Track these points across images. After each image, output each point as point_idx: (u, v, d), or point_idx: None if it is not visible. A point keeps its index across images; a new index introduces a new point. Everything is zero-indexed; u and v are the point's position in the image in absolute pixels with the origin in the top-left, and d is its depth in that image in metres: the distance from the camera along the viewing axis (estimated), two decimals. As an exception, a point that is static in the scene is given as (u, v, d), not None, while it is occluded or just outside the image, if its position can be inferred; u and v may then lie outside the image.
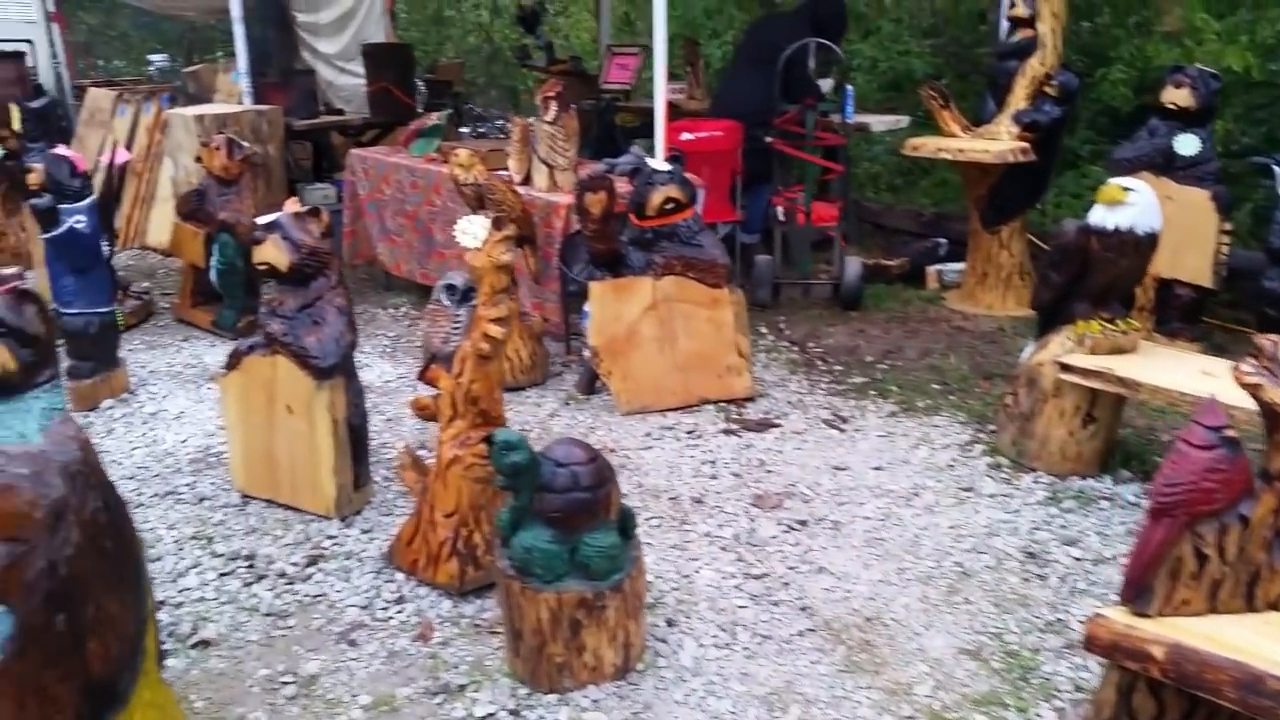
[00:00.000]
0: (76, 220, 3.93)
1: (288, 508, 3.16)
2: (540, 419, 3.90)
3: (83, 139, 7.34)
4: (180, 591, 2.71)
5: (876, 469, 3.42)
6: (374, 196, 5.46)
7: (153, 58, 15.48)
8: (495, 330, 2.65)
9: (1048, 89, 5.01)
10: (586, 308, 4.11)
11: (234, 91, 6.36)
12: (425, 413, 2.84)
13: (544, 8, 8.58)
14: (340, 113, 7.40)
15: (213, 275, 4.83)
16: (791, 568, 2.82)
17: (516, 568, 2.27)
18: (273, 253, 3.04)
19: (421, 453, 3.30)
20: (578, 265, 4.25)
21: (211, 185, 4.82)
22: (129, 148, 6.93)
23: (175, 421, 3.88)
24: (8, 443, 2.15)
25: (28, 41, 8.41)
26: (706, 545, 2.93)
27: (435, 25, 13.82)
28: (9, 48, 7.81)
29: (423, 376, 2.82)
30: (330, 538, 3.01)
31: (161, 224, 6.70)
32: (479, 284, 2.71)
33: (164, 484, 3.36)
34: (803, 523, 3.06)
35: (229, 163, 4.75)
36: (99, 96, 7.66)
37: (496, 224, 2.75)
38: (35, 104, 5.49)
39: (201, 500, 3.23)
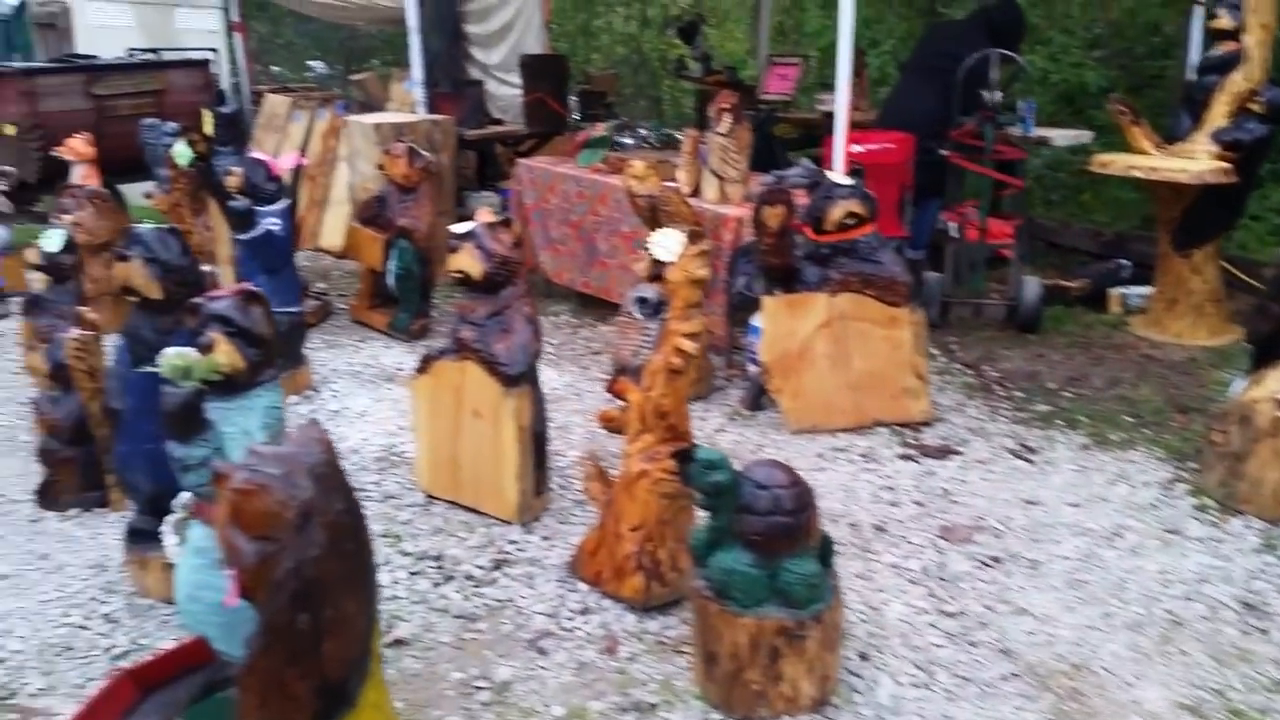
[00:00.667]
0: (271, 222, 4.13)
1: (470, 510, 3.22)
2: (707, 434, 3.86)
3: (259, 143, 7.73)
4: (372, 588, 2.78)
5: (1072, 505, 3.24)
6: (539, 205, 5.55)
7: (312, 64, 16.27)
8: (688, 345, 2.63)
9: (1253, 105, 4.68)
10: (754, 322, 4.06)
11: (407, 100, 6.58)
12: (612, 425, 2.84)
13: (702, 19, 8.57)
14: (499, 122, 7.57)
15: (389, 279, 5.00)
16: (988, 606, 2.70)
17: (714, 589, 2.24)
18: (467, 261, 3.09)
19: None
20: (746, 278, 4.21)
21: (391, 192, 4.99)
22: (303, 152, 7.27)
23: (359, 420, 4.01)
24: (233, 439, 2.25)
25: (212, 50, 8.95)
26: (894, 577, 2.83)
27: (584, 36, 14.03)
28: (197, 56, 8.33)
29: (611, 389, 2.82)
30: (512, 542, 3.04)
31: (335, 227, 6.99)
32: (672, 298, 2.69)
33: (351, 481, 3.46)
34: (996, 559, 2.93)
35: (409, 170, 4.90)
36: (275, 103, 8.07)
37: (693, 238, 2.73)
38: (225, 109, 5.80)
39: (388, 499, 3.32)
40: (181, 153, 6.09)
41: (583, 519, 3.19)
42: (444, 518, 3.22)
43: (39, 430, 3.39)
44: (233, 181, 4.16)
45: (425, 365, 3.27)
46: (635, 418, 2.72)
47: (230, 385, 2.24)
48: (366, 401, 4.22)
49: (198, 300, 2.28)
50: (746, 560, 2.19)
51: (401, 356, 4.84)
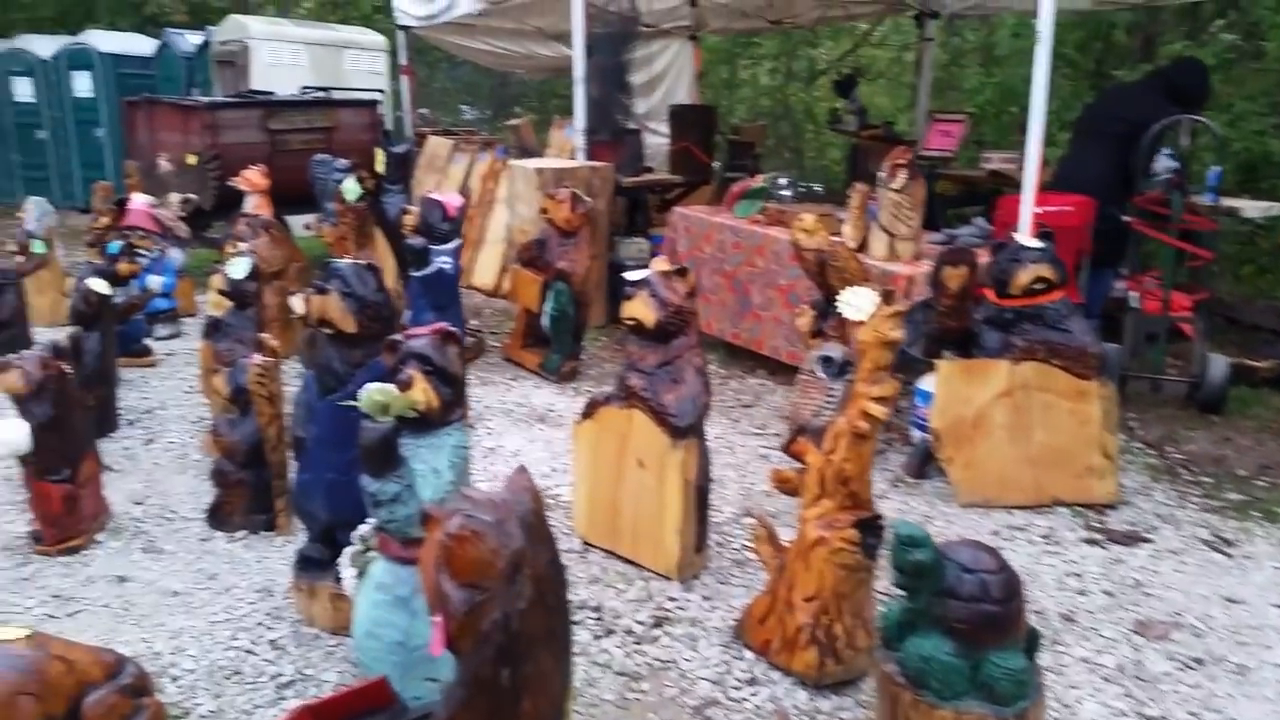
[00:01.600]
0: (443, 261, 4.21)
1: (627, 561, 3.15)
2: (868, 499, 3.69)
3: (420, 182, 7.99)
4: (533, 636, 2.73)
5: (1278, 607, 2.95)
6: (693, 254, 5.51)
7: (463, 109, 16.88)
8: (877, 410, 2.50)
9: None
10: (922, 385, 3.89)
11: (566, 146, 6.69)
12: (786, 486, 2.74)
13: (860, 73, 8.50)
14: (649, 170, 7.63)
15: (545, 320, 5.03)
16: (1193, 714, 2.45)
17: (908, 676, 2.09)
18: (640, 309, 3.06)
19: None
20: (914, 340, 4.05)
21: (552, 235, 5.04)
22: (463, 193, 7.47)
23: (513, 459, 4.01)
24: (423, 476, 2.23)
25: (379, 91, 9.35)
26: (1086, 673, 2.61)
27: (727, 89, 14.14)
28: (366, 96, 8.70)
29: (788, 449, 2.71)
30: (672, 599, 2.95)
31: (488, 266, 7.15)
32: (860, 359, 2.58)
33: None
34: (1199, 661, 2.67)
35: (571, 215, 4.95)
36: (437, 144, 8.36)
37: (886, 298, 2.62)
38: (397, 149, 6.00)
39: (545, 544, 3.28)
40: (350, 188, 6.35)
41: (743, 580, 3.08)
42: (601, 566, 3.15)
43: (214, 451, 3.50)
44: (409, 220, 4.27)
45: (590, 410, 3.23)
46: (814, 481, 2.60)
47: (423, 423, 2.23)
48: (519, 441, 4.23)
49: (397, 338, 2.29)
50: (947, 649, 2.04)
51: (552, 397, 4.85)
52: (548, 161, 6.05)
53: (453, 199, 5.99)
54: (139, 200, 6.05)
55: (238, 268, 3.80)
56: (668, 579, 3.05)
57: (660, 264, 3.20)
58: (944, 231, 4.78)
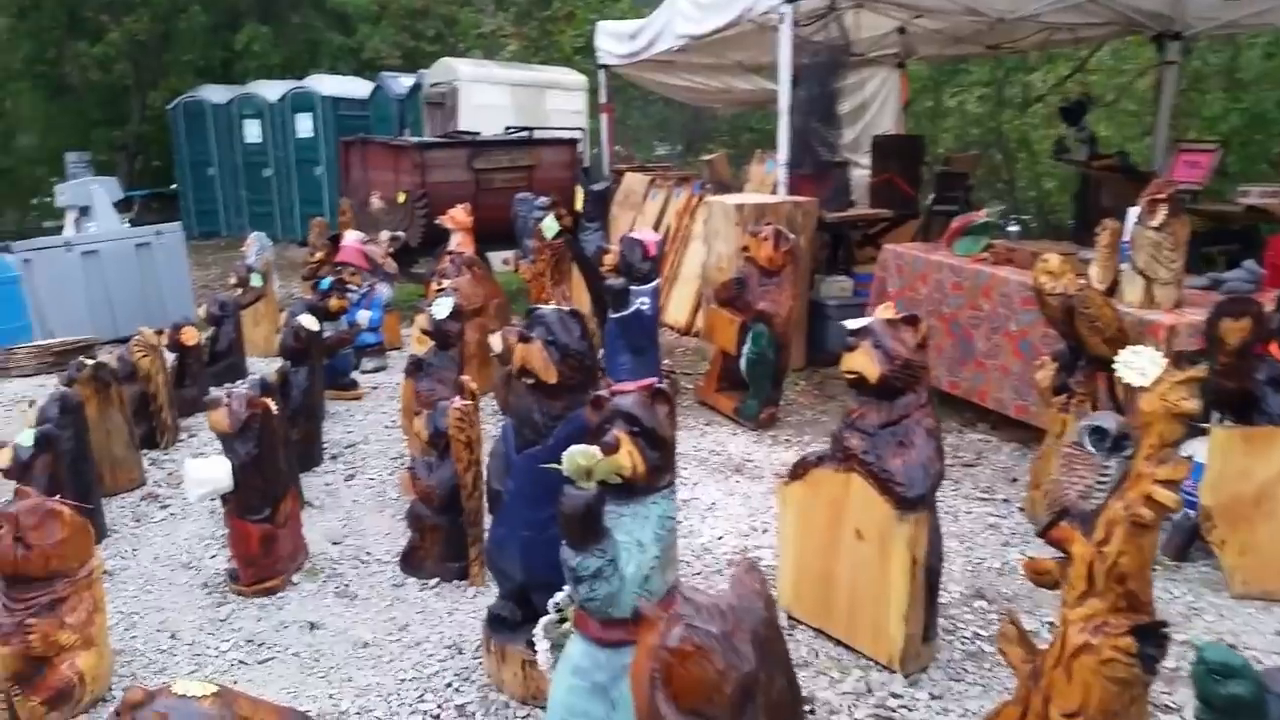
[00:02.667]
0: (642, 302, 4.02)
1: (840, 644, 2.81)
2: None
3: (616, 219, 7.94)
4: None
5: None
6: (904, 294, 5.11)
7: (657, 145, 16.97)
8: (1164, 495, 2.07)
9: None
10: (1186, 453, 3.34)
11: (766, 181, 6.44)
12: (1043, 578, 2.33)
13: (1091, 99, 7.82)
14: (852, 204, 7.26)
15: (743, 364, 4.76)
16: None
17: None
18: (862, 361, 2.73)
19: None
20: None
21: (752, 274, 4.77)
22: (657, 229, 7.35)
23: (709, 514, 3.75)
24: (626, 548, 1.99)
25: (579, 129, 9.43)
26: None
27: (932, 118, 13.49)
28: (566, 135, 8.78)
29: (1048, 535, 2.31)
30: (896, 696, 2.59)
31: (680, 304, 6.97)
32: (1143, 433, 2.16)
33: (704, 583, 3.19)
34: None
35: (774, 254, 4.67)
36: (633, 180, 8.30)
37: (1177, 360, 2.19)
38: (596, 187, 5.92)
39: (748, 616, 2.99)
40: (549, 225, 6.33)
41: (979, 677, 2.68)
42: (810, 647, 2.82)
43: (410, 492, 3.43)
44: (608, 260, 4.11)
45: (800, 470, 2.92)
46: (1080, 576, 2.19)
47: (627, 489, 2.00)
48: (715, 493, 3.96)
49: (603, 393, 2.08)
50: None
51: (749, 446, 4.56)
52: (748, 197, 5.81)
53: (650, 237, 5.85)
54: (351, 237, 6.24)
55: (441, 307, 3.75)
56: (889, 670, 2.68)
57: (886, 311, 2.87)
58: (1207, 276, 4.18)
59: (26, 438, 3.12)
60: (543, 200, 7.03)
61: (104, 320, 7.14)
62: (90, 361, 4.05)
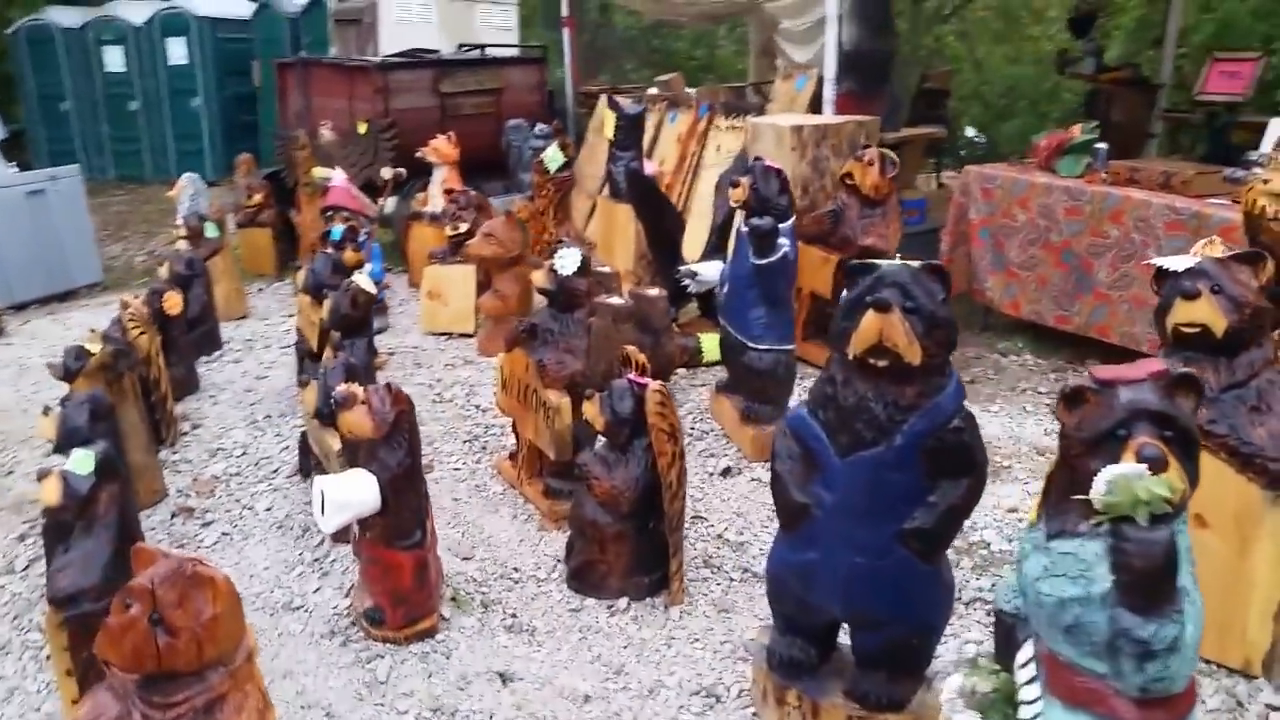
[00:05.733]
0: (785, 244, 3.41)
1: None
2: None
3: (593, 148, 7.19)
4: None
5: None
6: (992, 221, 4.66)
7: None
8: None
9: None
10: None
11: (798, 100, 5.84)
12: None
13: (1099, 9, 7.48)
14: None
15: (844, 307, 4.21)
16: None
17: None
18: (1207, 312, 2.24)
19: None
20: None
21: (852, 204, 4.21)
22: (650, 158, 6.66)
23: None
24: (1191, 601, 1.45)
25: (542, 47, 8.53)
26: None
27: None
28: (533, 54, 7.89)
29: None
30: (1274, 709, 2.16)
31: (695, 243, 6.33)
32: None
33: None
34: None
35: (881, 180, 4.12)
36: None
37: None
38: (630, 110, 5.20)
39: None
40: (553, 156, 5.58)
41: (1346, 677, 2.28)
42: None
43: (509, 476, 2.78)
44: (737, 194, 3.46)
45: (1107, 446, 2.42)
46: None
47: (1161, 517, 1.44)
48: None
49: (1107, 378, 1.50)
50: None
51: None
52: (798, 118, 5.20)
53: (650, 167, 5.20)
54: (337, 177, 5.32)
55: (567, 260, 3.04)
56: (1247, 676, 2.26)
57: (1213, 247, 2.38)
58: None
59: (83, 463, 2.29)
60: (542, 128, 6.25)
61: (-9, 282, 5.97)
62: (94, 347, 3.17)
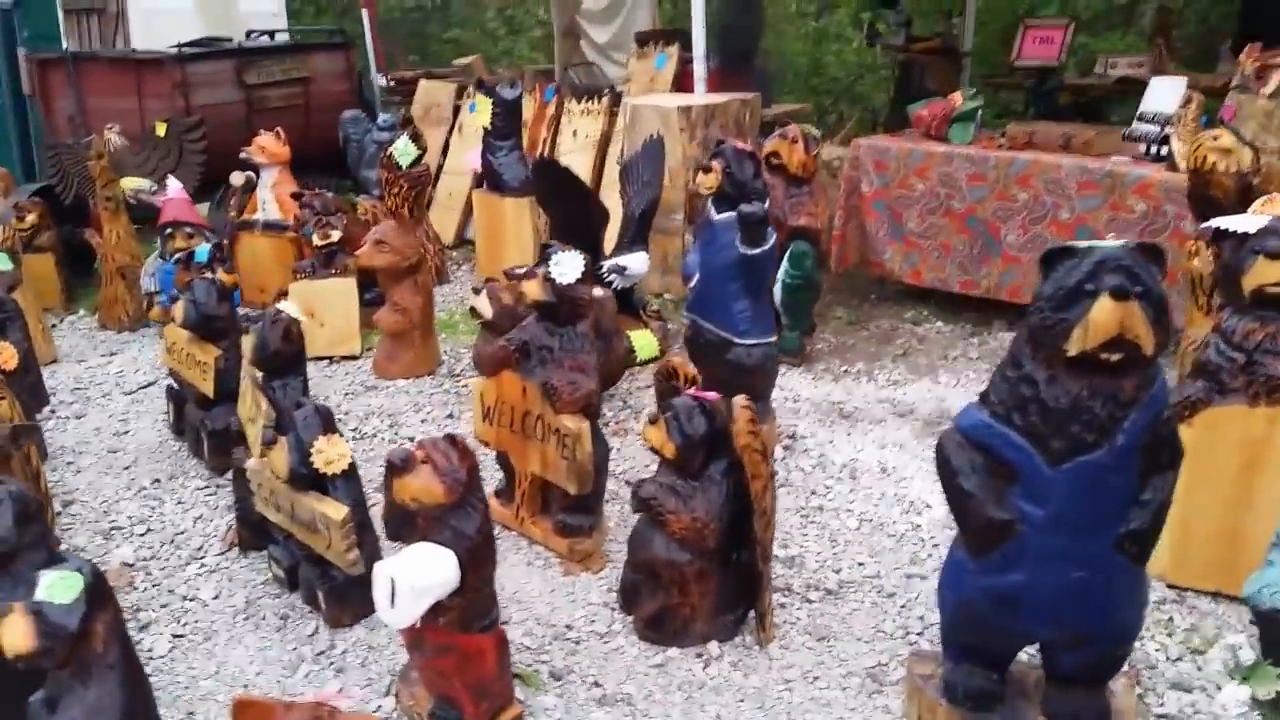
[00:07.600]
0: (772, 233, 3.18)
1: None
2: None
3: (422, 137, 6.61)
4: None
5: None
6: (886, 194, 4.67)
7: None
8: None
9: None
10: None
11: (660, 79, 5.61)
12: None
13: (907, -18, 7.78)
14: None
15: (777, 291, 4.06)
16: None
17: None
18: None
19: None
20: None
21: (777, 184, 4.05)
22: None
23: (884, 479, 3.13)
24: None
25: (341, 31, 7.75)
26: None
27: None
28: (339, 39, 7.14)
29: None
30: None
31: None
32: None
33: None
34: None
35: (807, 158, 4.00)
36: (433, 90, 6.95)
37: None
38: (507, 94, 4.76)
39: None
40: (404, 150, 5.06)
41: None
42: (1217, 616, 2.38)
43: (516, 527, 2.44)
44: (708, 180, 3.18)
45: (1188, 411, 2.41)
46: None
47: None
48: (850, 451, 3.34)
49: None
50: None
51: (813, 386, 3.94)
52: (679, 98, 4.97)
53: (473, 156, 4.86)
54: (173, 187, 4.51)
55: (568, 267, 2.65)
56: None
57: (1274, 205, 2.40)
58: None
59: (63, 588, 1.68)
60: (385, 119, 5.63)
61: None
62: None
